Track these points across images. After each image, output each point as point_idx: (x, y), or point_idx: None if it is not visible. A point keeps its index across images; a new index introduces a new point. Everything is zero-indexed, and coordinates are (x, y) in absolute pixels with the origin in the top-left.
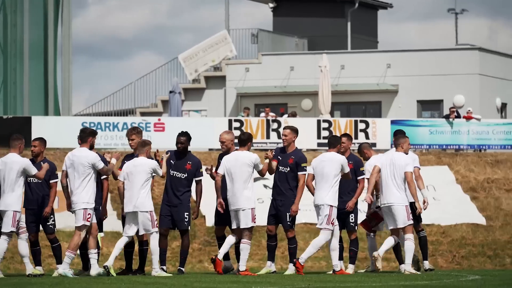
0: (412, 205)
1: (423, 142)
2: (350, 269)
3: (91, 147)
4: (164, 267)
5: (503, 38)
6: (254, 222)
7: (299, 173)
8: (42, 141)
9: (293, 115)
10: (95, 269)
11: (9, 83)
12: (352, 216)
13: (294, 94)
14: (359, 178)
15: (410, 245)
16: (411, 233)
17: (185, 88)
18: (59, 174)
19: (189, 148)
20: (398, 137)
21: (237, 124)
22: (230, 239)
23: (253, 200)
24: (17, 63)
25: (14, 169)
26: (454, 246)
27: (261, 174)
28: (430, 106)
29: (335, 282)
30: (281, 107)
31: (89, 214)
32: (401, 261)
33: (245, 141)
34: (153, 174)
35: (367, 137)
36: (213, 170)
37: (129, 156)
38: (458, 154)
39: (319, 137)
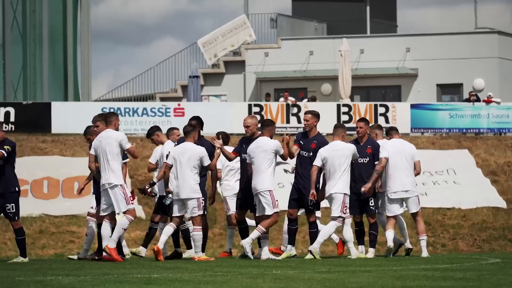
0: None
1: (443, 126)
2: (371, 253)
3: None
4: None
5: None
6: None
7: None
8: None
9: (313, 99)
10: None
11: (28, 69)
12: (372, 200)
13: (313, 79)
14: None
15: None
16: None
17: (205, 73)
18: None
19: (204, 133)
20: None
21: (257, 109)
22: (169, 229)
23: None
24: (37, 49)
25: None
26: (475, 230)
27: (283, 158)
28: (449, 90)
29: (355, 266)
30: (301, 91)
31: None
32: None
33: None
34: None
35: (387, 121)
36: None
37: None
38: (478, 138)
39: (339, 121)
